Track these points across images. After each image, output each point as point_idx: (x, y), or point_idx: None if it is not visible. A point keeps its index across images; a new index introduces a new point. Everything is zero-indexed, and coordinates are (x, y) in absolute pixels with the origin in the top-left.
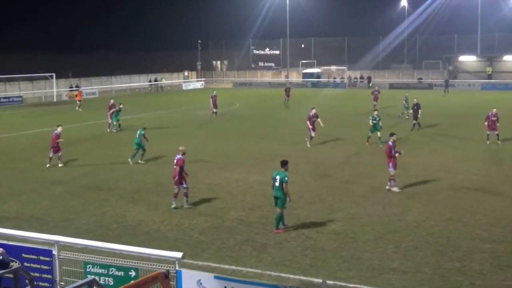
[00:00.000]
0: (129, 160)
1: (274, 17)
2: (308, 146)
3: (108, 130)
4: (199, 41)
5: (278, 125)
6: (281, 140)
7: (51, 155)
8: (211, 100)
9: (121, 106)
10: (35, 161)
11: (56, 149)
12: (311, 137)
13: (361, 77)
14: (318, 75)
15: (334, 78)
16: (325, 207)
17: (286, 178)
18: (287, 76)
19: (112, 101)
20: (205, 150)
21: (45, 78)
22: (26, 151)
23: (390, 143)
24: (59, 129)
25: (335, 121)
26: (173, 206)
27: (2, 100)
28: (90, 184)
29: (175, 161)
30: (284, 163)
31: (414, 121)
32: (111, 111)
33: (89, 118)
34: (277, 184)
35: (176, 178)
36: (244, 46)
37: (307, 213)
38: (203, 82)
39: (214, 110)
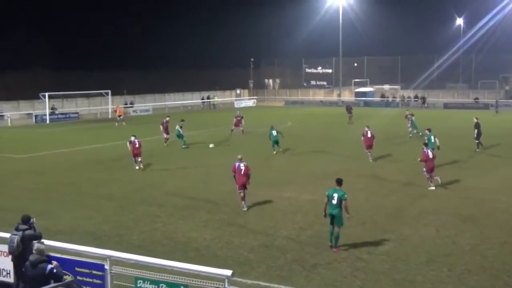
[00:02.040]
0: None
1: (327, 36)
2: (370, 161)
3: (165, 144)
4: (252, 59)
5: (331, 143)
6: (334, 158)
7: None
8: (234, 119)
9: (182, 122)
10: (89, 176)
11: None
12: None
13: (415, 97)
14: (370, 95)
15: (387, 97)
16: (377, 227)
17: (346, 196)
18: (339, 95)
19: (167, 118)
20: (255, 167)
21: (101, 95)
22: (81, 166)
23: (425, 150)
24: (132, 138)
25: (392, 140)
26: (244, 209)
27: (60, 116)
28: (141, 200)
29: (243, 168)
30: (340, 182)
31: (477, 141)
32: (164, 126)
33: (144, 134)
34: (334, 201)
35: (242, 183)
36: (296, 64)
37: (358, 233)
38: (255, 100)
39: (241, 129)
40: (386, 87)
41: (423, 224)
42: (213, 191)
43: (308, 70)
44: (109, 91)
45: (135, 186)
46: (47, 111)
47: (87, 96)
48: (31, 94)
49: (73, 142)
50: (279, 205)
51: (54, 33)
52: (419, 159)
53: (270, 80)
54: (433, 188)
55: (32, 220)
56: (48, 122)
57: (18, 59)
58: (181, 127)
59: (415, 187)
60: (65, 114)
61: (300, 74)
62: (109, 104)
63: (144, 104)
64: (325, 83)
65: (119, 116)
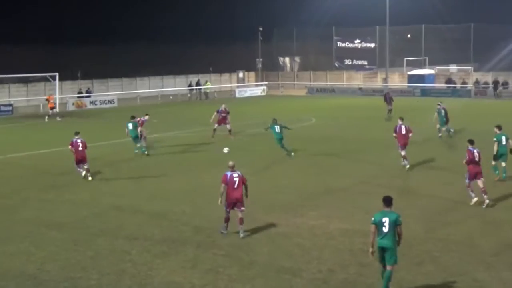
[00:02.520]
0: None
1: None
2: (407, 167)
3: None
4: (260, 29)
5: (371, 148)
6: (374, 169)
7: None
8: (218, 115)
9: (146, 117)
10: (28, 195)
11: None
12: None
13: (495, 82)
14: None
15: (454, 82)
16: (438, 269)
17: (400, 220)
18: (385, 80)
19: (147, 117)
20: (266, 184)
21: (45, 79)
22: (16, 181)
23: (471, 148)
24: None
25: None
26: (224, 232)
27: None
28: (103, 229)
29: (236, 180)
30: (389, 201)
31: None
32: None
33: (105, 135)
34: (385, 229)
35: (233, 199)
36: (324, 36)
37: (412, 277)
38: (266, 87)
39: (228, 128)
40: (453, 68)
41: (504, 264)
42: (204, 216)
43: (341, 45)
44: (57, 74)
45: (94, 210)
46: None
47: (25, 81)
48: None
49: (5, 147)
50: (299, 237)
51: None
52: (464, 161)
53: (287, 59)
54: (475, 200)
55: None
56: None
57: None
58: (135, 126)
59: (489, 211)
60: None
61: (329, 50)
62: (56, 93)
63: (107, 93)
64: (365, 62)
65: (52, 108)
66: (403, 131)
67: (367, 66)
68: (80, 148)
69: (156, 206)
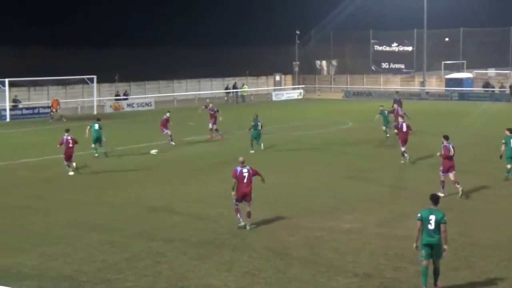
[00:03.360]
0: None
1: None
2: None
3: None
4: (297, 32)
5: (411, 153)
6: (411, 175)
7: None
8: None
9: (167, 114)
10: (65, 197)
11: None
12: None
13: None
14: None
15: (492, 86)
16: (476, 274)
17: (445, 218)
18: (423, 83)
19: (168, 114)
20: (300, 186)
21: (83, 82)
22: (53, 182)
23: (446, 144)
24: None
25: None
26: (245, 226)
27: (25, 111)
28: (139, 232)
29: (246, 175)
30: (436, 200)
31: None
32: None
33: (140, 137)
34: (431, 226)
35: (243, 193)
36: (361, 39)
37: (448, 283)
38: (302, 91)
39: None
40: (491, 72)
41: None
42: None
43: (378, 48)
44: (95, 77)
45: (130, 212)
46: (7, 105)
47: (64, 83)
48: None
49: (42, 149)
50: (334, 241)
51: None
52: (438, 153)
53: (324, 62)
54: (442, 195)
55: None
56: (8, 119)
57: None
58: (100, 127)
59: None
60: (32, 108)
61: (366, 54)
62: (94, 95)
63: (144, 96)
64: (402, 66)
65: (53, 110)
66: (404, 129)
67: (404, 70)
68: (70, 145)
69: (192, 208)
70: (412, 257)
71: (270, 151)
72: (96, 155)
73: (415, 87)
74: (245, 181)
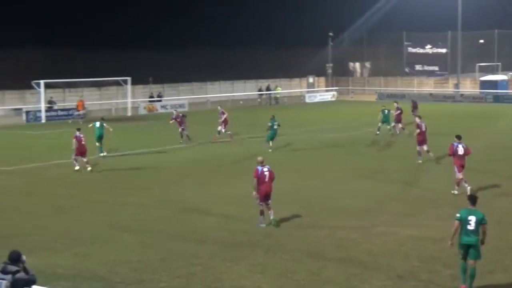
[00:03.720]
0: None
1: (438, 0)
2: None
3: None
4: (330, 34)
5: (441, 157)
6: (444, 178)
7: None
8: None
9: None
10: (97, 198)
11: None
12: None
13: None
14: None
15: None
16: (511, 278)
17: (485, 219)
18: (457, 86)
19: (175, 112)
20: (334, 189)
21: (117, 83)
22: (86, 184)
23: (454, 143)
24: (77, 133)
25: None
26: (263, 225)
27: (60, 113)
28: (173, 233)
29: (267, 173)
30: (474, 200)
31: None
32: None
33: (169, 138)
34: (470, 227)
35: (265, 192)
36: (394, 41)
37: (483, 285)
38: (335, 93)
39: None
40: None
41: None
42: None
43: (411, 50)
44: (129, 79)
45: (162, 213)
46: (43, 106)
47: (98, 85)
48: (21, 81)
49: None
50: (368, 244)
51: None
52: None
53: (357, 64)
54: (456, 192)
55: (23, 258)
56: (43, 121)
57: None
58: (102, 126)
59: None
60: (67, 110)
61: (400, 56)
62: (128, 97)
63: (178, 97)
64: (436, 68)
65: (79, 110)
66: (423, 128)
67: (438, 72)
68: (83, 142)
69: (225, 210)
70: (447, 260)
71: (301, 152)
72: (102, 154)
73: (449, 89)
74: (266, 180)
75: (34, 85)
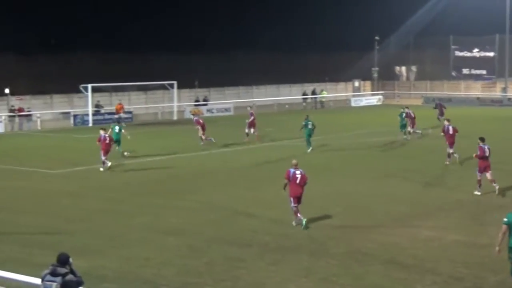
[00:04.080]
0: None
1: (487, 2)
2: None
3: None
4: (377, 38)
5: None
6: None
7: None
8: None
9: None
10: (144, 201)
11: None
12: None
13: None
14: None
15: None
16: None
17: None
18: (505, 90)
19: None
20: (380, 194)
21: (163, 87)
22: (133, 187)
23: (482, 145)
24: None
25: None
26: (294, 223)
27: (107, 116)
28: (218, 237)
29: (299, 176)
30: None
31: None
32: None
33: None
34: None
35: (296, 194)
36: (441, 45)
37: None
38: (381, 97)
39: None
40: None
41: None
42: (318, 225)
43: (458, 54)
44: (175, 83)
45: (209, 216)
46: (90, 110)
47: (145, 89)
48: (69, 85)
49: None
50: (413, 249)
51: (101, 4)
52: (474, 154)
53: (403, 68)
54: (479, 194)
55: (70, 261)
56: (90, 124)
57: (46, 37)
58: (121, 129)
59: None
60: (114, 113)
61: (446, 59)
62: (174, 101)
63: (223, 101)
64: (483, 72)
65: (118, 113)
66: (451, 131)
67: (485, 76)
68: (107, 142)
69: (270, 213)
70: (494, 266)
71: (345, 156)
72: (126, 153)
73: (496, 93)
74: (297, 182)
75: (81, 89)
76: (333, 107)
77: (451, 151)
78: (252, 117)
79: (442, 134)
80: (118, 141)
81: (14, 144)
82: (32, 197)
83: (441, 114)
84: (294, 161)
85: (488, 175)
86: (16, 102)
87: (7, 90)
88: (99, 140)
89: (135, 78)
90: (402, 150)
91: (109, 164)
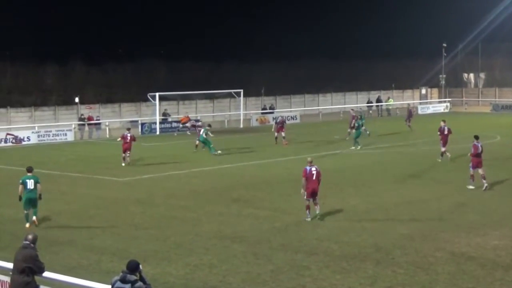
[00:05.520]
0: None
1: None
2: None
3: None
4: (444, 44)
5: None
6: None
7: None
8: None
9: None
10: (211, 209)
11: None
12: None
13: None
14: None
15: None
16: None
17: None
18: None
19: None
20: (448, 202)
21: (230, 96)
22: (200, 195)
23: (476, 143)
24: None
25: None
26: (308, 219)
27: (174, 124)
28: (283, 244)
29: (314, 172)
30: None
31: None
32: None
33: (285, 151)
34: None
35: (312, 190)
36: (510, 51)
37: None
38: (449, 104)
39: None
40: None
41: None
42: (384, 233)
43: None
44: (241, 91)
45: (275, 224)
46: (157, 118)
47: (212, 97)
48: (136, 94)
49: (190, 161)
50: (481, 258)
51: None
52: (469, 154)
53: (471, 75)
54: (472, 187)
55: (140, 268)
56: (158, 132)
57: (114, 46)
58: (206, 133)
59: None
60: (178, 121)
61: None
62: (240, 109)
63: (289, 109)
64: None
65: (184, 122)
66: (445, 132)
67: None
68: (128, 140)
69: (336, 222)
70: None
71: (409, 164)
72: (219, 152)
73: None
74: (313, 178)
75: (149, 97)
76: (400, 114)
77: (443, 149)
78: (280, 124)
79: (438, 133)
80: (205, 143)
81: (83, 152)
82: (101, 204)
83: (409, 117)
84: (309, 159)
85: (480, 170)
86: (85, 110)
87: (77, 99)
88: (122, 138)
89: (202, 87)
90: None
91: (124, 163)
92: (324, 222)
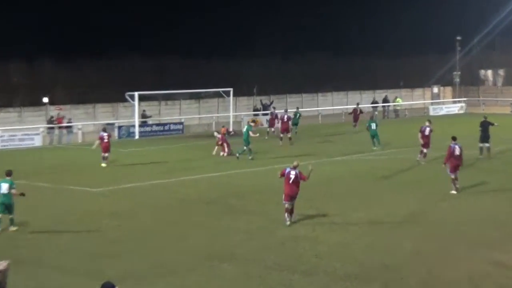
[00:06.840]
0: (237, 154)
1: None
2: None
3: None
4: (458, 38)
5: None
6: None
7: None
8: (280, 122)
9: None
10: (198, 221)
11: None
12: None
13: None
14: None
15: None
16: None
17: None
18: None
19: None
20: (463, 216)
21: (218, 95)
22: (184, 206)
23: (452, 145)
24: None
25: None
26: (287, 223)
27: (155, 128)
28: (278, 263)
29: (292, 176)
30: None
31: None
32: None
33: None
34: None
35: (289, 193)
36: None
37: None
38: (464, 104)
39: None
40: None
41: None
42: (391, 251)
43: None
44: (231, 90)
45: (269, 240)
46: (136, 120)
47: (198, 97)
48: (113, 93)
49: (173, 170)
50: (502, 278)
51: (149, 6)
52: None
53: (489, 72)
54: (455, 192)
55: None
56: (137, 137)
57: (88, 41)
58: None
59: None
60: (163, 125)
61: None
62: (230, 110)
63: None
64: None
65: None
66: (427, 132)
67: None
68: (105, 140)
69: (337, 237)
70: None
71: (421, 171)
72: (238, 155)
73: None
74: (290, 182)
75: (127, 97)
76: (409, 116)
77: (425, 150)
78: (284, 121)
79: (419, 134)
80: (246, 141)
81: (52, 159)
82: (72, 218)
83: (355, 120)
84: (295, 163)
85: (455, 173)
86: (55, 112)
87: (45, 99)
88: (99, 138)
89: (186, 85)
90: (486, 164)
91: (104, 164)
92: (324, 238)
